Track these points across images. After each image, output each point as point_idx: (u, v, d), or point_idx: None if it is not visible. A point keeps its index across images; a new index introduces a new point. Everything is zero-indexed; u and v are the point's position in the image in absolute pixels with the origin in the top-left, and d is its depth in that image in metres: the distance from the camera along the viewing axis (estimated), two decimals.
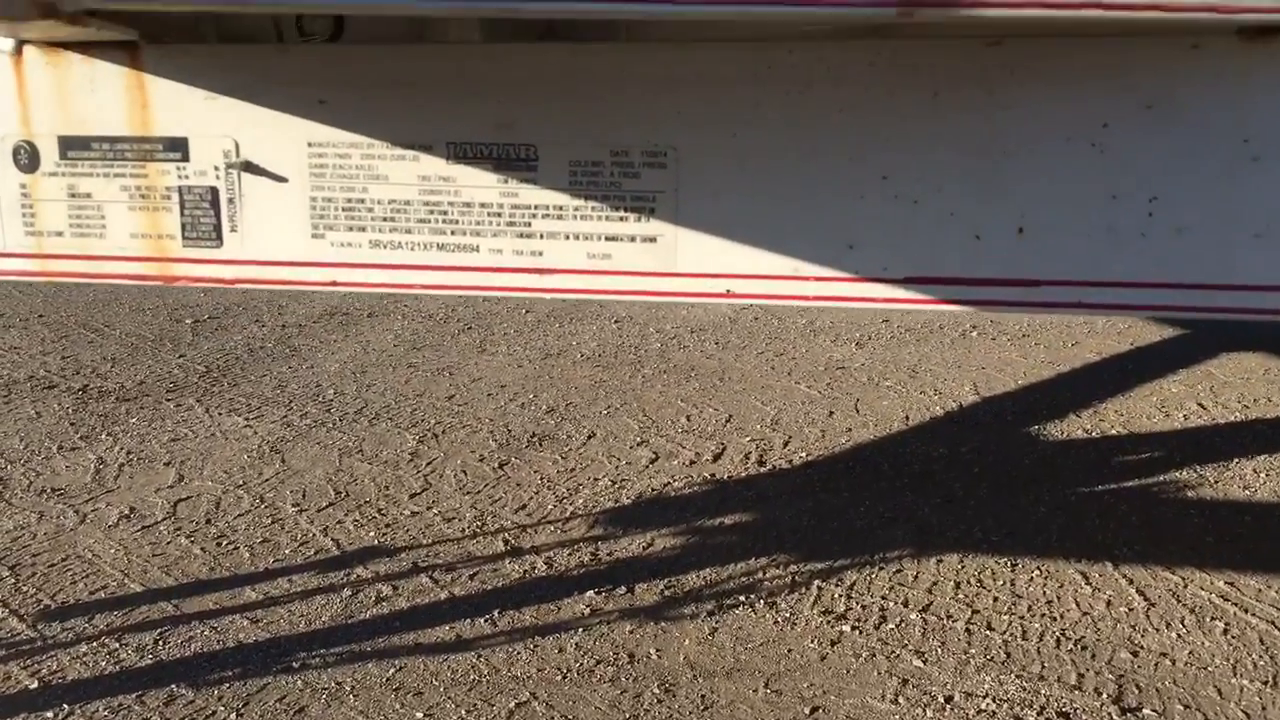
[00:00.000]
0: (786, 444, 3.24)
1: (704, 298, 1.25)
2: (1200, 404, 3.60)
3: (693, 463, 3.10)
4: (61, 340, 4.25)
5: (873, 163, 1.21)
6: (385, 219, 1.30)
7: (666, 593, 2.43)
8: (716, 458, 3.13)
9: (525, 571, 2.52)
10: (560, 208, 1.27)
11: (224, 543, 2.63)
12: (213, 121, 1.29)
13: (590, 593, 2.42)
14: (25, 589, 2.44)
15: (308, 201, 1.30)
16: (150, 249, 1.33)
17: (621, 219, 1.26)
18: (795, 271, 1.24)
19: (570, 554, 2.59)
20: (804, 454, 3.17)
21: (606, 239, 1.27)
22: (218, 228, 1.32)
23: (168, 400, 3.59)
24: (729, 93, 1.21)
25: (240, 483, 2.95)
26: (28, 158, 1.34)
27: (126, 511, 2.78)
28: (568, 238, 1.28)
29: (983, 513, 2.79)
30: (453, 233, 1.29)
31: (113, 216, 1.34)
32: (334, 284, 1.31)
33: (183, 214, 1.33)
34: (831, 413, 3.49)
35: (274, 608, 2.37)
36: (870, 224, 1.22)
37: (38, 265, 1.36)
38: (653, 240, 1.26)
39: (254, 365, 3.99)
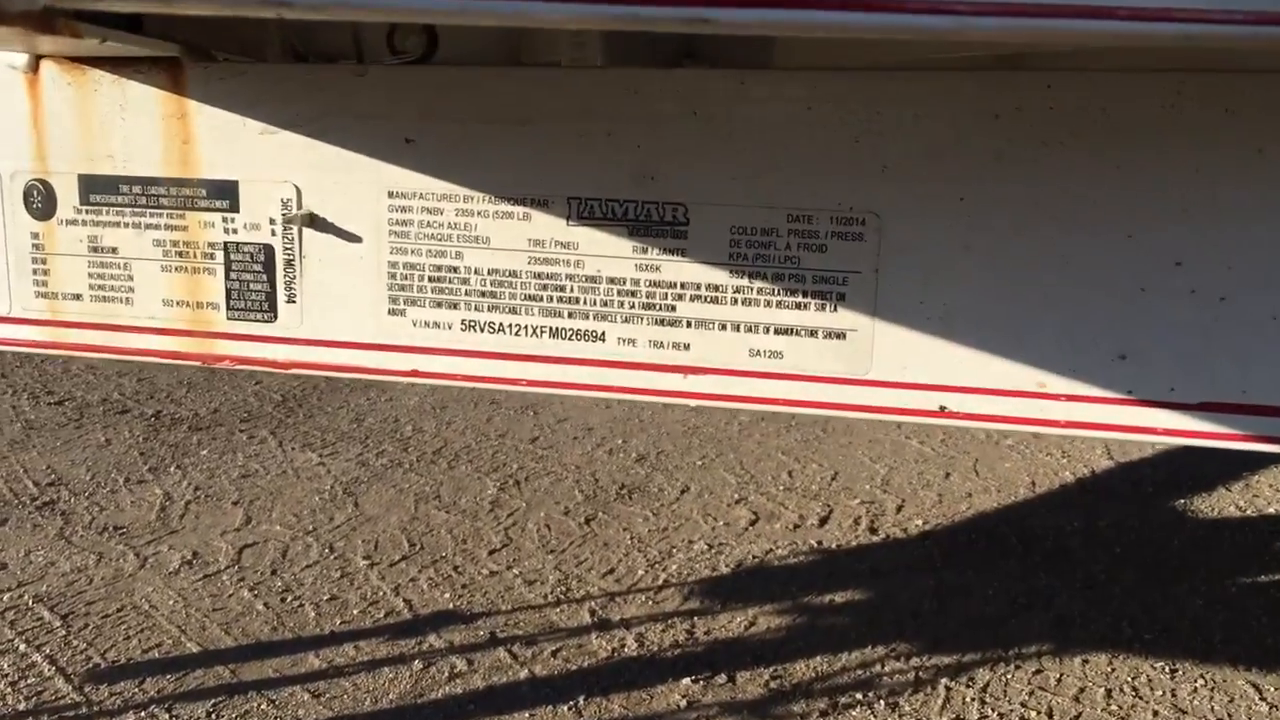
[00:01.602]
0: (900, 509, 2.85)
1: (908, 415, 0.89)
2: None
3: (796, 527, 2.73)
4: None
5: (1162, 242, 0.83)
6: (484, 294, 0.96)
7: (772, 684, 2.08)
8: (823, 522, 2.76)
9: (613, 649, 2.18)
10: (716, 288, 0.91)
11: (289, 598, 2.34)
12: (270, 162, 0.96)
13: (686, 680, 2.08)
14: (76, 643, 2.17)
15: (385, 268, 0.97)
16: (187, 320, 1.01)
17: (799, 306, 0.90)
18: (1040, 387, 0.87)
19: (663, 630, 2.25)
20: (920, 521, 2.78)
21: (777, 331, 0.91)
22: (271, 297, 0.99)
23: (240, 431, 3.32)
24: (957, 140, 0.85)
25: (310, 528, 2.66)
26: (42, 200, 1.02)
27: (189, 556, 2.50)
28: (724, 328, 0.92)
29: (1130, 603, 2.38)
30: (571, 315, 0.94)
31: (143, 277, 1.02)
32: (414, 374, 0.98)
33: (228, 278, 1.00)
34: (948, 474, 3.09)
35: (338, 679, 2.08)
36: (1154, 327, 0.84)
37: (49, 335, 1.04)
38: (840, 336, 0.90)
39: (331, 395, 3.71)
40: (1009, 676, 2.11)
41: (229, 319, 1.00)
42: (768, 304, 0.90)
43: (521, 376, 0.96)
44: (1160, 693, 2.07)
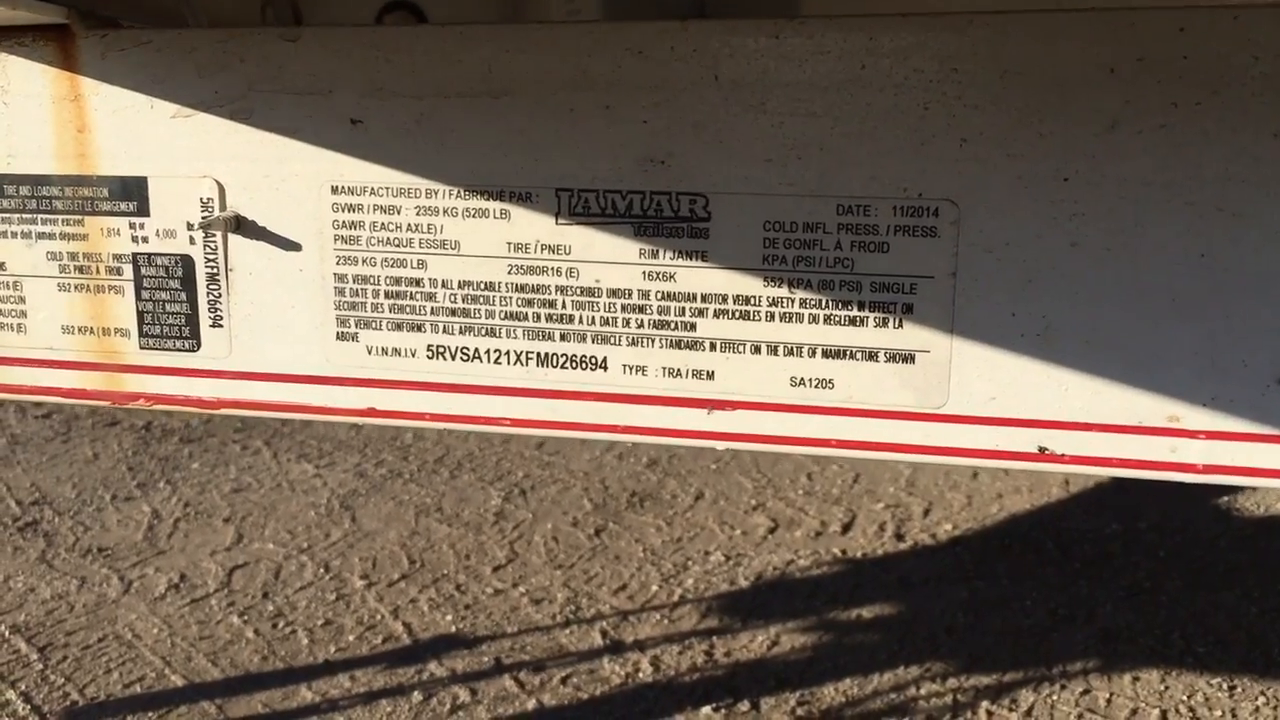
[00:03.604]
0: (927, 513, 2.64)
1: (998, 459, 0.68)
2: None
3: (818, 534, 2.52)
4: None
5: None
6: (455, 312, 0.75)
7: (799, 711, 1.88)
8: (846, 528, 2.55)
9: (627, 674, 1.98)
10: (747, 300, 0.70)
11: (281, 624, 2.14)
12: (185, 153, 0.76)
13: (706, 708, 1.88)
14: (53, 678, 1.97)
15: (331, 281, 0.76)
16: (93, 350, 0.80)
17: (853, 321, 0.69)
18: (1170, 422, 0.65)
19: (680, 652, 2.05)
20: (949, 526, 2.57)
21: (825, 354, 0.70)
22: (193, 320, 0.78)
23: (234, 442, 3.12)
24: (1060, 103, 0.64)
25: (304, 545, 2.46)
26: None
27: (176, 580, 2.31)
28: (758, 350, 0.71)
29: (1179, 612, 2.17)
30: (565, 337, 0.73)
31: (37, 299, 0.81)
32: (371, 413, 0.77)
33: (140, 298, 0.79)
34: (976, 473, 2.88)
35: (331, 714, 1.88)
36: None
37: None
38: (908, 359, 0.69)
39: None
40: (1055, 698, 1.91)
41: (142, 348, 0.79)
42: (813, 320, 0.69)
43: (504, 415, 0.75)
44: (1219, 713, 1.87)
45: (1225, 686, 1.94)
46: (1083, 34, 0.63)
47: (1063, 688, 1.94)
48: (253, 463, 2.96)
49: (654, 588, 2.28)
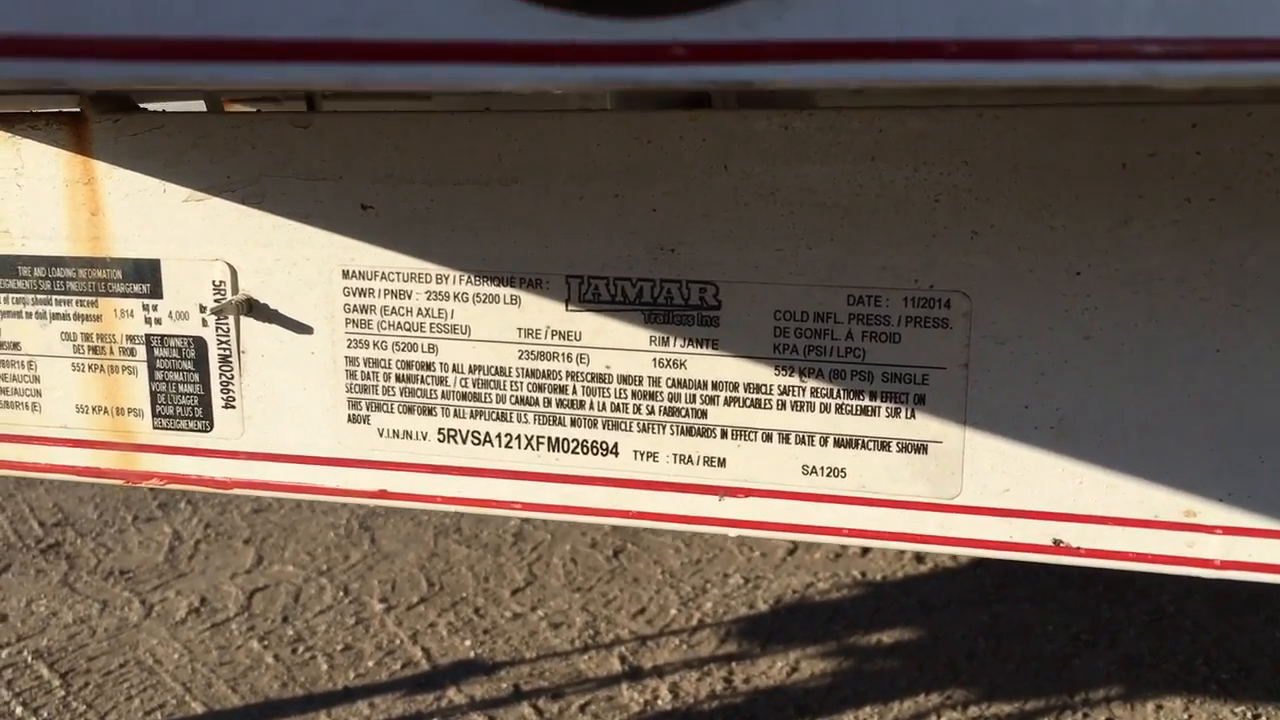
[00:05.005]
0: None
1: (1011, 550, 0.68)
2: None
3: (838, 556, 2.52)
4: None
5: None
6: (465, 396, 0.75)
7: None
8: (866, 550, 2.54)
9: (646, 702, 1.99)
10: (758, 389, 0.70)
11: (300, 649, 2.16)
12: (197, 237, 0.76)
13: None
14: (75, 704, 2.00)
15: (343, 364, 0.76)
16: (106, 430, 0.81)
17: (865, 411, 0.69)
18: (1187, 517, 0.65)
19: (699, 679, 2.05)
20: None
21: (837, 443, 0.69)
22: (205, 401, 0.79)
23: None
24: (1072, 197, 0.63)
25: (324, 568, 2.48)
26: None
27: (197, 603, 2.33)
28: (769, 439, 0.71)
29: (1202, 638, 2.15)
30: (575, 422, 0.73)
31: (51, 378, 0.82)
32: (382, 494, 0.77)
33: (153, 378, 0.80)
34: None
35: None
36: None
37: None
38: (921, 449, 0.69)
39: None
40: None
41: (155, 428, 0.80)
42: (825, 409, 0.69)
43: (515, 499, 0.75)
44: None
45: (1249, 715, 1.93)
46: (1094, 129, 0.62)
47: (1085, 716, 1.93)
48: None
49: (673, 611, 2.28)
